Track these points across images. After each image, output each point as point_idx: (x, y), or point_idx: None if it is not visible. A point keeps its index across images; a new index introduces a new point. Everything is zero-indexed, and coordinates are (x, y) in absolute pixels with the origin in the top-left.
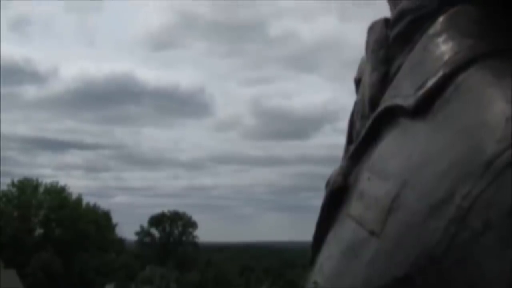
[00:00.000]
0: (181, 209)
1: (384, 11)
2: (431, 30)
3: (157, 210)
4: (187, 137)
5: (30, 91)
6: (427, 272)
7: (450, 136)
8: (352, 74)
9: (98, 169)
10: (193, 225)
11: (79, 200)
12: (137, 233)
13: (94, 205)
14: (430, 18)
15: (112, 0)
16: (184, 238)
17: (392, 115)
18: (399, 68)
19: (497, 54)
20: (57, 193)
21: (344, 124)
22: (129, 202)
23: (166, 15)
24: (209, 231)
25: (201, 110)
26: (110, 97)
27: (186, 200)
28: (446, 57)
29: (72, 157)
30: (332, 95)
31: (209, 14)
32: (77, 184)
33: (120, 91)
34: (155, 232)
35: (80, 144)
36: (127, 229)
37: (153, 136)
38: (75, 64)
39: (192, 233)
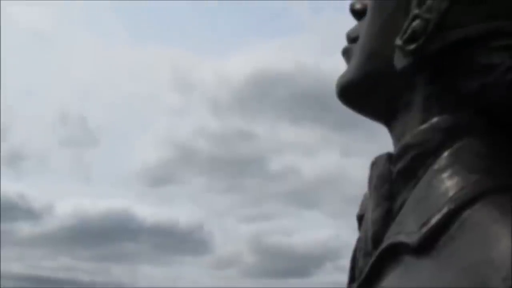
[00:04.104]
0: None
1: (387, 146)
2: (436, 166)
3: None
4: (185, 275)
5: (24, 228)
6: None
7: (455, 274)
8: (354, 210)
9: None
10: None
11: None
12: None
13: None
14: (434, 153)
15: (108, 134)
16: None
17: (395, 253)
18: (402, 204)
19: (502, 190)
20: None
21: (346, 262)
22: None
23: (164, 149)
24: None
25: (199, 247)
26: (106, 234)
27: None
28: (451, 193)
29: None
30: (334, 232)
31: (208, 148)
32: None
33: (116, 228)
34: None
35: (75, 282)
36: None
37: (151, 274)
38: (70, 200)
39: None
